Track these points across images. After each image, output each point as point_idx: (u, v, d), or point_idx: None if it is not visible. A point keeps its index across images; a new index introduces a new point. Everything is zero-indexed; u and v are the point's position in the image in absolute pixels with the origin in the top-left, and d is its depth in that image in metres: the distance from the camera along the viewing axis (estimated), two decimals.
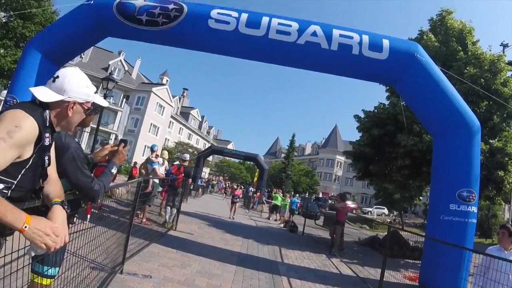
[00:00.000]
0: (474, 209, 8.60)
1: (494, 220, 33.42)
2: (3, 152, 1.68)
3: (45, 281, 2.76)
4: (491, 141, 12.94)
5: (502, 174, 12.41)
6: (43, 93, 2.01)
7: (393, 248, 13.32)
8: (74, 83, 2.11)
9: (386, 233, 14.79)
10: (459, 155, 8.81)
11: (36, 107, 1.97)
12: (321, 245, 14.10)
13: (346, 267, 10.19)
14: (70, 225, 2.91)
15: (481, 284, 4.75)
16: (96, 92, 2.28)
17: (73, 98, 2.10)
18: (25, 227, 1.68)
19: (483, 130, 12.76)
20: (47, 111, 2.01)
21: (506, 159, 12.51)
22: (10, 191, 1.87)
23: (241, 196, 22.70)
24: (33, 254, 1.80)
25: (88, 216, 6.10)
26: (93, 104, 2.28)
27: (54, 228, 1.81)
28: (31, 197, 2.07)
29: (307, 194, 64.93)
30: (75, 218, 2.83)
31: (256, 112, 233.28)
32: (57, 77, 2.10)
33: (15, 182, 1.87)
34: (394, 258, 12.61)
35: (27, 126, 1.80)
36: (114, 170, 3.00)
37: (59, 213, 1.97)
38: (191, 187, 25.30)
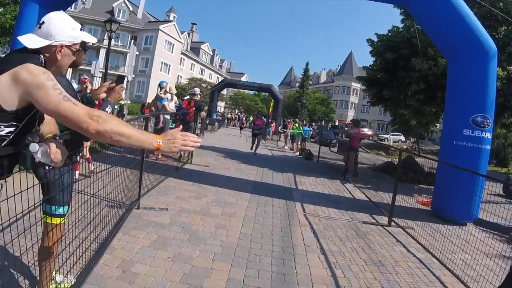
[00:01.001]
0: (488, 135, 8.51)
1: (511, 149, 33.14)
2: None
3: (56, 221, 2.89)
4: (509, 67, 12.51)
5: None
6: (31, 40, 2.02)
7: (407, 174, 13.43)
8: (59, 27, 2.10)
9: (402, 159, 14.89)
10: (474, 80, 8.56)
11: (33, 55, 1.99)
12: (335, 171, 14.31)
13: (359, 192, 10.39)
14: (70, 162, 2.97)
15: None
16: (82, 30, 2.27)
17: (59, 42, 2.10)
18: (159, 142, 1.98)
19: (501, 56, 12.35)
20: (41, 56, 2.03)
21: None
22: (13, 135, 1.93)
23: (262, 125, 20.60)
24: (36, 149, 1.92)
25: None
26: (81, 43, 2.28)
27: (177, 133, 2.09)
28: (26, 139, 2.12)
29: (323, 122, 64.95)
30: (78, 157, 2.90)
31: (269, 42, 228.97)
32: (43, 22, 2.09)
33: (21, 125, 1.93)
34: (408, 184, 12.76)
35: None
36: (108, 109, 3.01)
37: (52, 141, 2.04)
38: (207, 122, 25.41)
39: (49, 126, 2.29)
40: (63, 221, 2.99)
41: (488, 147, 8.67)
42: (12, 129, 1.89)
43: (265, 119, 30.61)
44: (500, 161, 33.82)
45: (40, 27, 2.08)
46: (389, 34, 15.89)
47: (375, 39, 16.14)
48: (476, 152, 8.40)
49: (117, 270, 3.80)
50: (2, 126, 1.84)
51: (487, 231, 7.83)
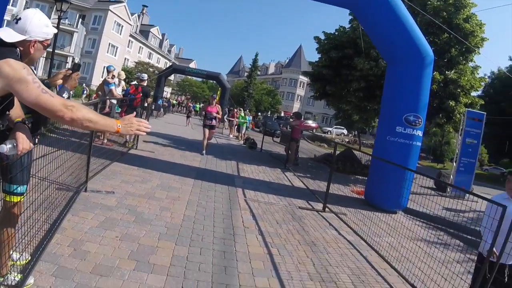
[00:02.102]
0: (419, 133, 9.33)
1: (447, 147, 35.17)
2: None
3: (15, 199, 3.06)
4: (447, 72, 13.51)
5: (453, 104, 13.25)
6: (8, 35, 2.27)
7: (345, 165, 14.23)
8: (35, 24, 2.37)
9: (340, 151, 15.69)
10: (409, 83, 9.34)
11: (11, 49, 2.25)
12: (277, 160, 14.89)
13: (298, 180, 10.99)
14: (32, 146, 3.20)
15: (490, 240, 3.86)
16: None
17: (33, 38, 2.38)
18: (119, 126, 2.39)
19: (441, 61, 13.36)
20: (18, 50, 2.31)
21: (459, 90, 13.28)
22: None
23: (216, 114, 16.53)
24: (5, 150, 2.17)
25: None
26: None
27: (133, 118, 2.53)
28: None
29: (269, 113, 65.79)
30: (36, 139, 3.10)
31: (220, 30, 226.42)
32: (20, 18, 2.35)
33: None
34: (346, 174, 13.54)
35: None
36: (65, 95, 3.23)
37: (21, 127, 2.34)
38: (153, 107, 25.26)
39: (16, 110, 2.54)
40: (22, 199, 3.16)
41: (419, 143, 9.52)
42: None
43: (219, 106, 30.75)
44: (437, 158, 35.90)
45: (16, 23, 2.35)
46: (336, 33, 16.60)
47: (323, 37, 16.79)
48: (407, 147, 9.22)
49: (68, 248, 4.02)
50: None
51: (414, 219, 8.68)
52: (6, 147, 2.17)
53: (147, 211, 5.77)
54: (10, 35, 2.28)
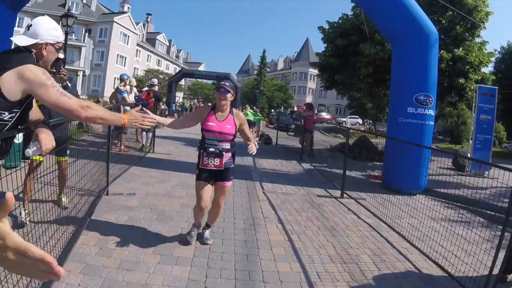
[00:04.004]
0: (431, 112, 9.30)
1: (463, 127, 34.74)
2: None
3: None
4: (454, 49, 13.41)
5: (464, 81, 13.14)
6: (22, 39, 2.48)
7: (361, 153, 14.24)
8: (44, 28, 2.56)
9: (355, 139, 15.71)
10: (416, 62, 9.29)
11: (29, 55, 2.45)
12: (293, 153, 14.96)
13: (315, 170, 11.08)
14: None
15: None
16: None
17: (44, 40, 2.55)
18: (125, 120, 2.80)
19: (447, 39, 13.29)
20: (34, 55, 2.50)
21: (467, 67, 13.16)
22: (14, 119, 2.37)
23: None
24: (30, 154, 2.38)
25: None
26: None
27: (137, 113, 2.93)
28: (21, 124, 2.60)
29: (282, 109, 65.73)
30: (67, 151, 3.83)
31: (225, 30, 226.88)
32: (31, 25, 2.55)
33: (19, 112, 2.38)
34: (362, 161, 13.53)
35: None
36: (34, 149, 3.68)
37: (43, 128, 2.54)
38: (166, 113, 25.43)
39: (35, 113, 2.72)
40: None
41: (431, 123, 9.49)
42: (13, 115, 2.34)
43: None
44: (454, 139, 35.49)
45: (28, 29, 2.54)
46: (340, 21, 16.60)
47: (327, 26, 16.79)
48: (420, 127, 9.19)
49: (94, 247, 4.18)
50: (6, 113, 2.29)
51: (434, 199, 8.62)
52: (30, 151, 2.37)
53: (168, 209, 5.92)
54: (23, 40, 2.49)
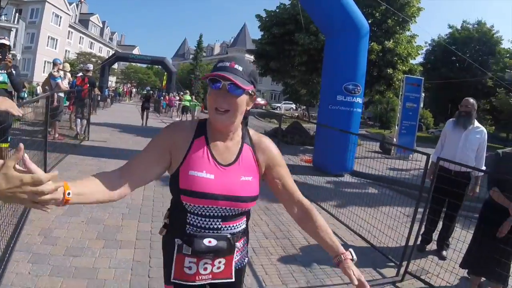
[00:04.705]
0: (359, 100, 10.03)
1: (392, 113, 36.58)
2: None
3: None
4: (385, 42, 14.26)
5: (392, 72, 14.16)
6: None
7: (294, 138, 14.80)
8: None
9: (288, 125, 16.25)
10: (346, 53, 9.91)
11: None
12: None
13: None
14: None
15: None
16: None
17: None
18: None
19: (378, 32, 14.14)
20: None
21: (396, 58, 14.18)
22: None
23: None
24: None
25: None
26: None
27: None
28: None
29: None
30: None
31: (161, 12, 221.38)
32: None
33: None
34: (295, 145, 14.10)
35: None
36: None
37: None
38: (99, 98, 24.79)
39: None
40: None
41: (359, 110, 10.26)
42: None
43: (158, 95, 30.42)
44: (383, 124, 37.34)
45: None
46: (277, 10, 17.04)
47: (264, 14, 17.18)
48: (348, 114, 9.90)
49: (39, 237, 4.26)
50: None
51: (361, 180, 9.40)
52: None
53: None
54: None
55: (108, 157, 8.93)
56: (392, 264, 4.63)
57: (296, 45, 14.72)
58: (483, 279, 4.14)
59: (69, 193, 1.22)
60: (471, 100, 5.10)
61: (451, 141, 5.14)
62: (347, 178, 9.47)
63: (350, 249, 1.66)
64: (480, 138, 4.99)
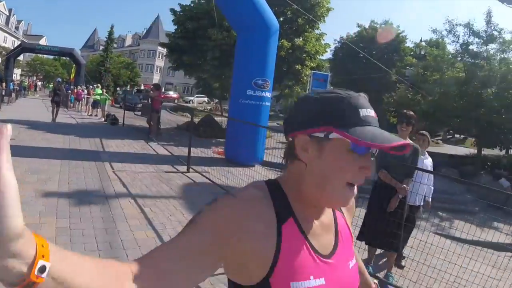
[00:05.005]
0: (267, 94, 10.64)
1: None
2: None
3: None
4: (295, 39, 15.13)
5: (300, 68, 15.13)
6: None
7: (206, 131, 15.19)
8: None
9: (200, 118, 16.62)
10: (256, 50, 10.44)
11: None
12: (140, 133, 15.32)
13: (163, 149, 11.69)
14: None
15: None
16: None
17: None
18: None
19: (289, 30, 14.94)
20: None
21: (304, 55, 15.12)
22: None
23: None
24: None
25: None
26: None
27: None
28: None
29: (128, 87, 64.06)
30: None
31: (71, 0, 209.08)
32: None
33: None
34: (207, 139, 14.51)
35: None
36: None
37: None
38: (3, 93, 23.24)
39: None
40: None
41: (268, 103, 10.90)
42: None
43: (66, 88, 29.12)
44: None
45: None
46: (192, 5, 17.28)
47: (178, 8, 17.35)
48: (258, 108, 10.46)
49: None
50: None
51: (271, 169, 9.98)
52: None
53: (21, 195, 5.94)
54: None
55: (17, 155, 8.57)
56: None
57: (209, 40, 15.09)
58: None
59: (43, 269, 0.56)
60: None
61: None
62: (258, 168, 10.05)
63: (375, 281, 1.40)
64: None
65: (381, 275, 4.89)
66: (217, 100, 39.05)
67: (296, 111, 1.04)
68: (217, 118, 16.63)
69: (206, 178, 8.19)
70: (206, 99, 51.75)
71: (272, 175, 9.20)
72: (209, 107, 40.12)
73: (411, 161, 4.52)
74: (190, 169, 8.82)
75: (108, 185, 7.06)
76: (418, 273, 4.69)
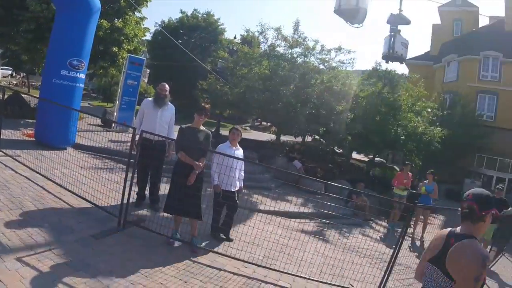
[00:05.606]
0: (82, 75, 10.43)
1: (116, 87, 37.33)
2: None
3: None
4: (115, 20, 14.99)
5: (117, 50, 15.13)
6: None
7: (14, 110, 14.01)
8: None
9: (9, 95, 15.26)
10: (74, 29, 10.05)
11: None
12: None
13: None
14: None
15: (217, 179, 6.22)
16: None
17: None
18: None
19: (110, 10, 14.69)
20: None
21: (122, 37, 15.12)
22: None
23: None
24: None
25: None
26: None
27: None
28: None
29: None
30: None
31: None
32: None
33: None
34: (15, 119, 13.33)
35: None
36: None
37: None
38: None
39: None
40: None
41: (82, 85, 10.71)
42: None
43: None
44: (107, 97, 37.76)
45: None
46: None
47: None
48: (71, 89, 10.15)
49: None
50: None
51: (83, 152, 10.09)
52: None
53: None
54: None
55: None
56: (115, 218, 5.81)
57: (26, 10, 13.97)
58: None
59: None
60: (167, 85, 7.07)
61: (150, 117, 6.85)
62: (70, 150, 9.88)
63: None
64: (171, 114, 7.07)
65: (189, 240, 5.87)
66: (24, 74, 35.86)
67: None
68: (25, 96, 15.45)
69: (18, 161, 7.85)
70: (10, 71, 46.74)
71: (83, 157, 9.23)
72: (14, 82, 36.42)
73: (204, 144, 5.76)
74: (0, 152, 8.24)
75: None
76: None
